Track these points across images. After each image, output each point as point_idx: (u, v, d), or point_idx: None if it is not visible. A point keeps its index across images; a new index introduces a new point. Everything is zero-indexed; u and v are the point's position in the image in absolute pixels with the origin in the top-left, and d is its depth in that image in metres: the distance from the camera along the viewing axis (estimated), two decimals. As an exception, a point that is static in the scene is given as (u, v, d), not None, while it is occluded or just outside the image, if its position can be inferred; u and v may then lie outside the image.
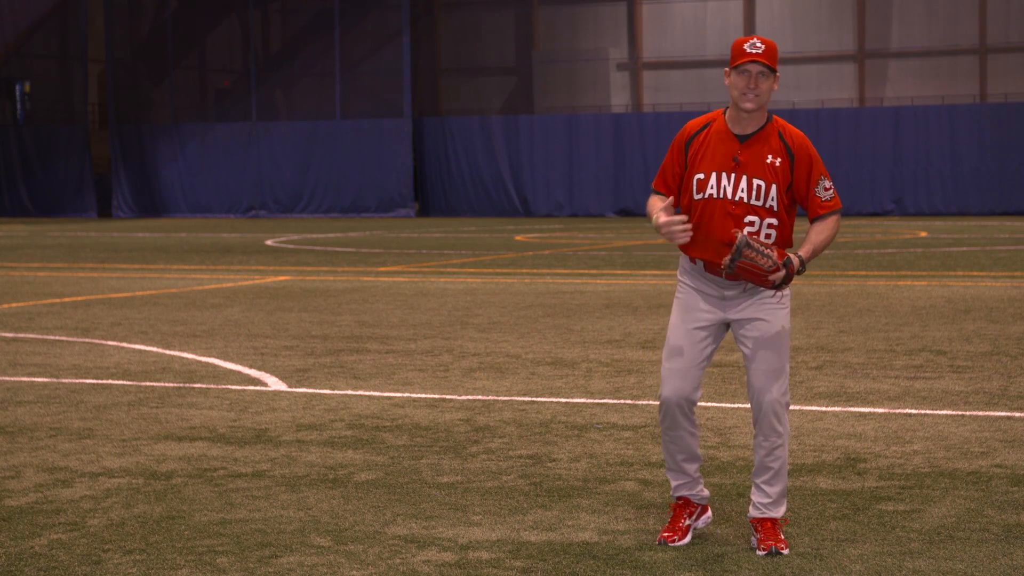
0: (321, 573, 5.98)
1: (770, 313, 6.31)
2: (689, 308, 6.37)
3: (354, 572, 5.98)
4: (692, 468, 6.46)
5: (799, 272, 6.18)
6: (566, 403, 10.12)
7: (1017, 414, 9.45)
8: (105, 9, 49.77)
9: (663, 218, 6.18)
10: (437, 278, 21.42)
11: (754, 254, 6.07)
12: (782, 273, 6.14)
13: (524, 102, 49.89)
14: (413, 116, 47.35)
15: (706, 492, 6.52)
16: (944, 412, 9.53)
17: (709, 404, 9.87)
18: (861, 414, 9.51)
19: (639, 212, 43.79)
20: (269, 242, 32.52)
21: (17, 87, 51.51)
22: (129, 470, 8.01)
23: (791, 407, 9.72)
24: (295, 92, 50.76)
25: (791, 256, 6.18)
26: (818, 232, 6.27)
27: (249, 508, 7.08)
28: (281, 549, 6.33)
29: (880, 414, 9.49)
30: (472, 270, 23.14)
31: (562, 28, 49.71)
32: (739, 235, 6.10)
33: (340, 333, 14.42)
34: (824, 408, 9.76)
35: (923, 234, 32.51)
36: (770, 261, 6.10)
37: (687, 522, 6.40)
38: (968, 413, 9.47)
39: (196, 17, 51.25)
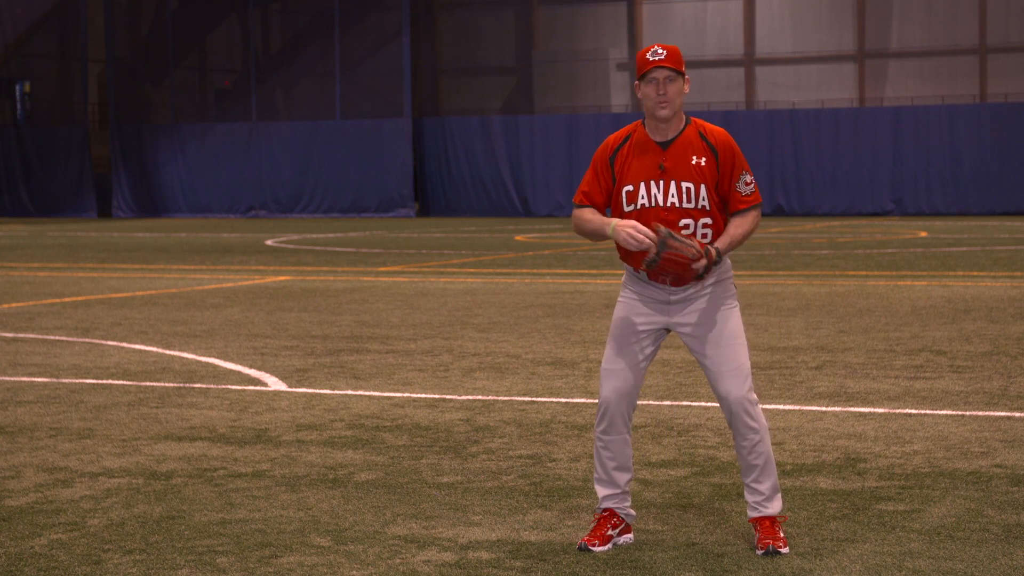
0: (321, 573, 5.98)
1: (718, 313, 6.31)
2: (631, 312, 6.38)
3: (354, 572, 5.98)
4: (623, 479, 6.42)
5: (716, 263, 6.19)
6: (566, 403, 10.12)
7: (1017, 414, 9.45)
8: (105, 9, 49.78)
9: (628, 226, 6.12)
10: (437, 278, 21.42)
11: (678, 244, 6.09)
12: (704, 262, 6.14)
13: (524, 102, 49.90)
14: (413, 116, 47.37)
15: (633, 512, 6.46)
16: (944, 412, 9.53)
17: (709, 404, 9.87)
18: (861, 414, 9.51)
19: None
20: (269, 242, 32.52)
21: (17, 87, 51.52)
22: (129, 470, 8.00)
23: (792, 407, 9.73)
24: (295, 92, 50.78)
25: (709, 247, 6.19)
26: (736, 225, 6.28)
27: (249, 508, 7.08)
28: (281, 549, 6.33)
29: (880, 414, 9.49)
30: (472, 270, 23.15)
31: (562, 28, 49.72)
32: (659, 228, 6.12)
33: (340, 333, 14.42)
34: (824, 408, 9.75)
35: (923, 234, 32.51)
36: (693, 250, 6.11)
37: (610, 532, 6.35)
38: (968, 413, 9.47)
39: (196, 17, 51.27)
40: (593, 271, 22.43)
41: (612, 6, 49.00)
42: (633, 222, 6.16)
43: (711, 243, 6.25)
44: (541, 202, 46.39)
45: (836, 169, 43.68)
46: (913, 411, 9.59)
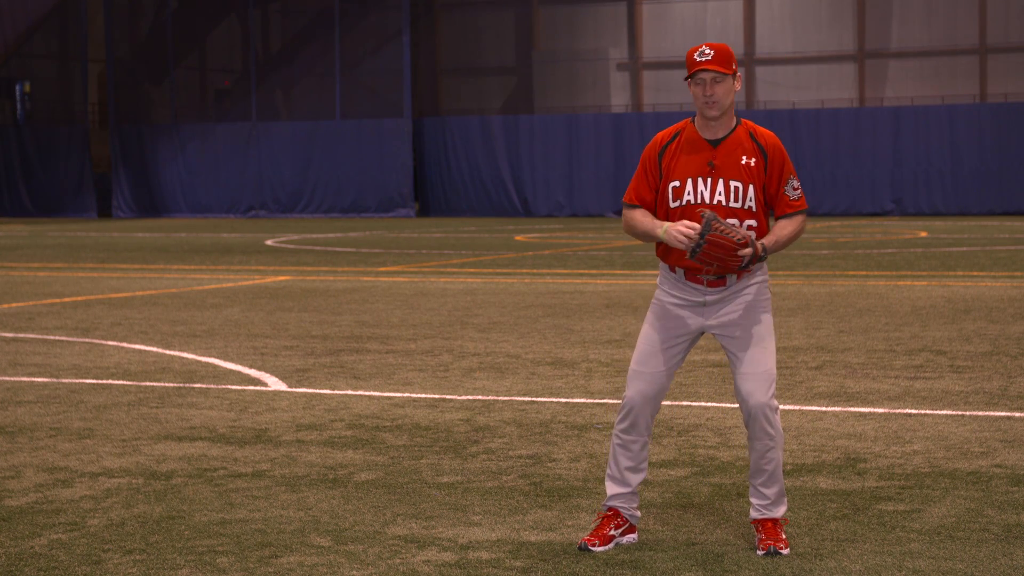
0: (321, 573, 5.98)
1: (752, 316, 6.31)
2: (666, 315, 6.37)
3: (354, 572, 5.99)
4: (635, 480, 6.42)
5: (761, 259, 6.19)
6: (566, 403, 10.12)
7: (1017, 414, 9.45)
8: (105, 9, 49.77)
9: (679, 226, 6.13)
10: (437, 278, 21.42)
11: (723, 227, 6.06)
12: (750, 250, 6.11)
13: (524, 102, 49.90)
14: (413, 116, 47.36)
15: (638, 513, 6.46)
16: (944, 412, 9.53)
17: (709, 404, 9.88)
18: (861, 414, 9.51)
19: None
20: (269, 242, 32.52)
21: (17, 87, 51.51)
22: (129, 470, 8.00)
23: (792, 407, 9.73)
24: (295, 92, 50.77)
25: (755, 240, 6.18)
26: (783, 227, 6.29)
27: (249, 508, 7.08)
28: (281, 549, 6.33)
29: (880, 414, 9.49)
30: (472, 270, 23.15)
31: (562, 28, 49.72)
32: (705, 212, 6.11)
33: (340, 333, 14.42)
34: (824, 408, 9.76)
35: (923, 234, 32.52)
36: (739, 235, 6.09)
37: (612, 532, 6.34)
38: (968, 413, 9.47)
39: (196, 17, 51.26)
40: (593, 271, 22.43)
41: (612, 6, 49.00)
42: (684, 221, 6.16)
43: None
44: (541, 202, 46.38)
45: (836, 169, 43.67)
46: (913, 411, 9.59)
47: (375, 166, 47.32)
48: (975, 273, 20.82)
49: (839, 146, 43.60)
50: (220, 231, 38.90)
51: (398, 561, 6.12)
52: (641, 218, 6.31)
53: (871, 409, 9.67)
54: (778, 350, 12.55)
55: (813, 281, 19.54)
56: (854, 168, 43.48)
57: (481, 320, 15.44)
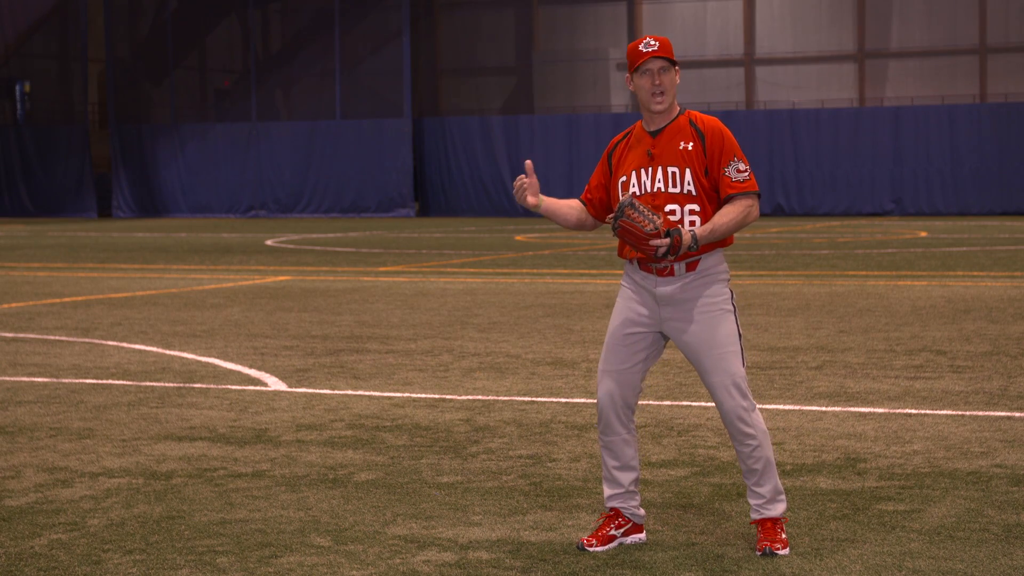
0: (321, 573, 5.98)
1: (709, 319, 6.25)
2: (626, 312, 6.36)
3: (354, 572, 5.99)
4: (626, 479, 6.39)
5: (690, 248, 6.10)
6: (566, 403, 10.12)
7: (1017, 414, 9.45)
8: (105, 9, 49.78)
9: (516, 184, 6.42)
10: (437, 278, 21.42)
11: (636, 215, 6.05)
12: (664, 241, 6.04)
13: (524, 102, 49.90)
14: (413, 116, 47.37)
15: (642, 512, 6.42)
16: (944, 412, 9.53)
17: (709, 404, 9.87)
18: (861, 414, 9.51)
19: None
20: (269, 242, 32.52)
21: (17, 87, 51.53)
22: (129, 470, 8.00)
23: (792, 407, 9.72)
24: (295, 92, 50.78)
25: (682, 228, 6.10)
26: (723, 213, 6.19)
27: (249, 508, 7.08)
28: (281, 549, 6.33)
29: (880, 414, 9.49)
30: (472, 270, 23.15)
31: (562, 28, 49.72)
32: (625, 196, 6.13)
33: (340, 333, 14.42)
34: (824, 408, 9.76)
35: (923, 234, 32.51)
36: (652, 226, 6.05)
37: (612, 532, 6.32)
38: (968, 413, 9.47)
39: (196, 17, 51.26)
40: (593, 271, 22.43)
41: (612, 6, 49.01)
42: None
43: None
44: (541, 202, 46.34)
45: (836, 169, 43.67)
46: (913, 411, 9.59)
47: (375, 166, 47.33)
48: (975, 273, 20.82)
49: (839, 146, 43.61)
50: (220, 231, 38.90)
51: (398, 561, 6.12)
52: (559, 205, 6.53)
53: (871, 409, 9.67)
54: (778, 350, 12.55)
55: (813, 281, 19.54)
56: (854, 168, 43.49)
57: (481, 320, 15.44)
